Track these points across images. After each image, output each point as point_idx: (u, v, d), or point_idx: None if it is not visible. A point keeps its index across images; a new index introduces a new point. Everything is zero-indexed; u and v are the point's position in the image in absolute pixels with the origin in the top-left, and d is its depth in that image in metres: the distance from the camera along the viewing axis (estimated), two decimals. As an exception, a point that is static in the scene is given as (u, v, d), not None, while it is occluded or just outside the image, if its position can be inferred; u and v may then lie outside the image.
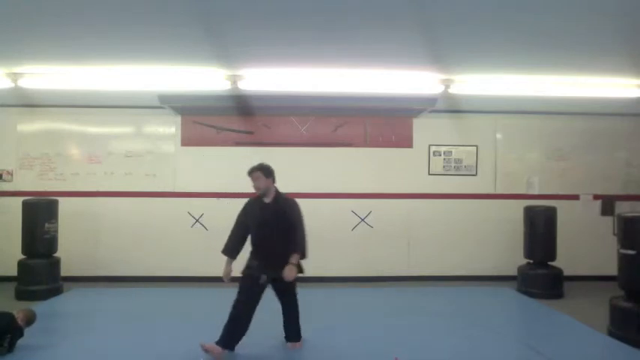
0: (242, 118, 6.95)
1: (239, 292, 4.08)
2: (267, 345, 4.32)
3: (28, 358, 3.99)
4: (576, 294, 6.32)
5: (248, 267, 4.14)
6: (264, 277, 4.03)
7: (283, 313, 4.32)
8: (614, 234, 6.66)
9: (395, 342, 4.44)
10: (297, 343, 4.30)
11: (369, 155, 7.15)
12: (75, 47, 4.41)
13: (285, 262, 3.98)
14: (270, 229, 4.11)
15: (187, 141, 7.08)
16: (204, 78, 5.24)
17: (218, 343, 3.92)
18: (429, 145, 7.27)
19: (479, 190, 7.27)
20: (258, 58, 4.71)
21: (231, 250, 4.24)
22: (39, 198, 6.28)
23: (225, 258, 4.25)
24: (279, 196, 4.24)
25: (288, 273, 3.96)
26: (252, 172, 4.19)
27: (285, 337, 4.33)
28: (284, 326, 4.33)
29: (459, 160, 7.30)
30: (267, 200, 4.21)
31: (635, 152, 7.37)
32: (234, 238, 4.26)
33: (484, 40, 4.16)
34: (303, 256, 4.13)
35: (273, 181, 4.25)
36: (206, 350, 3.87)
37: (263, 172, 4.17)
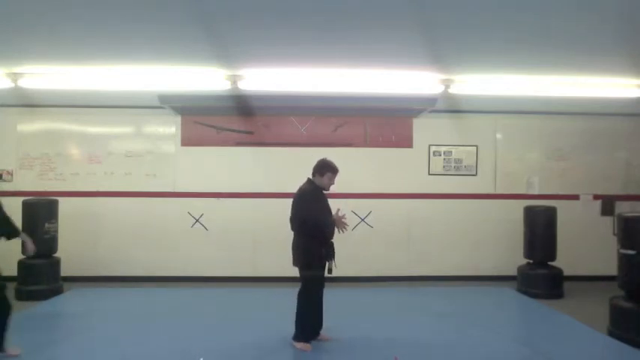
0: (242, 118, 6.95)
1: (313, 285, 4.25)
2: (270, 342, 4.32)
3: (28, 358, 3.99)
4: (576, 294, 6.32)
5: (320, 257, 4.25)
6: (333, 262, 4.35)
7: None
8: (614, 234, 6.66)
9: (395, 342, 4.45)
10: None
11: (369, 155, 7.15)
12: (75, 47, 4.41)
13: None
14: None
15: (187, 141, 7.08)
16: (204, 78, 5.24)
17: (295, 338, 4.25)
18: (429, 145, 7.27)
19: (479, 190, 7.27)
20: (258, 58, 4.71)
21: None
22: (39, 198, 6.28)
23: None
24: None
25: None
26: (337, 172, 4.44)
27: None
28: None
29: (459, 160, 7.30)
30: (325, 191, 4.45)
31: (635, 152, 7.37)
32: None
33: (484, 40, 4.15)
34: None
35: None
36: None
37: None
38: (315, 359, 4.14)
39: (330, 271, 4.33)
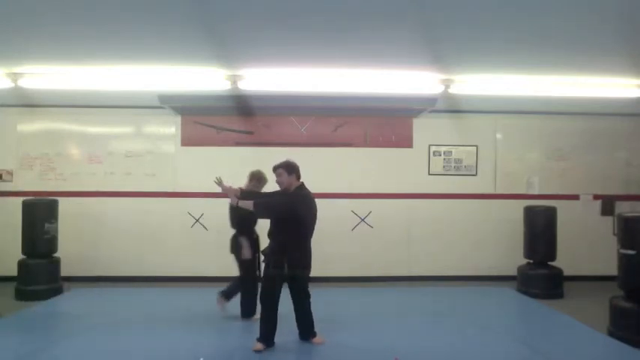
0: (242, 118, 6.95)
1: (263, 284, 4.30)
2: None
3: (29, 358, 3.99)
4: (576, 294, 6.32)
5: (265, 260, 4.29)
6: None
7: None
8: (614, 234, 6.66)
9: (395, 342, 4.45)
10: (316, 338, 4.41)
11: (369, 155, 7.15)
12: (75, 47, 4.41)
13: (296, 257, 4.15)
14: (280, 222, 4.19)
15: (187, 141, 7.08)
16: (204, 78, 5.24)
17: (259, 340, 4.19)
18: (429, 145, 7.27)
19: (479, 190, 7.27)
20: (258, 58, 4.71)
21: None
22: (39, 198, 6.28)
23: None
24: (294, 192, 4.29)
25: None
26: (275, 169, 4.31)
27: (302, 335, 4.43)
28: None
29: (459, 160, 7.30)
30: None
31: (635, 152, 7.37)
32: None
33: (484, 40, 4.15)
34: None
35: (297, 177, 4.32)
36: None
37: (285, 168, 4.27)
38: (320, 357, 4.15)
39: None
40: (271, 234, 4.24)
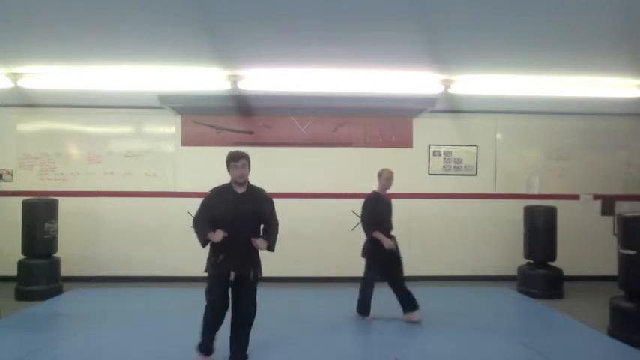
0: (242, 118, 6.95)
1: (209, 284, 3.80)
2: (269, 341, 4.33)
3: (29, 358, 3.99)
4: (576, 294, 6.32)
5: (213, 264, 3.79)
6: (233, 274, 3.73)
7: (232, 324, 3.83)
8: (614, 234, 6.66)
9: (395, 342, 4.45)
10: None
11: (369, 155, 7.15)
12: (75, 47, 4.41)
13: (250, 258, 3.80)
14: (244, 221, 3.76)
15: (187, 141, 7.08)
16: (204, 78, 5.24)
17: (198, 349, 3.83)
18: (429, 145, 7.27)
19: (479, 190, 7.27)
20: (258, 58, 4.71)
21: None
22: (39, 198, 6.27)
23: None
24: (252, 187, 3.91)
25: (259, 242, 3.73)
26: (238, 159, 3.75)
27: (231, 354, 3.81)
28: (230, 339, 3.84)
29: (458, 160, 7.30)
30: (240, 191, 3.85)
31: (635, 152, 7.37)
32: (206, 224, 3.83)
33: (484, 40, 4.16)
34: (271, 249, 3.86)
35: None
36: None
37: (248, 160, 3.82)
38: (319, 358, 4.15)
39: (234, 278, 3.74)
40: (244, 237, 3.75)
